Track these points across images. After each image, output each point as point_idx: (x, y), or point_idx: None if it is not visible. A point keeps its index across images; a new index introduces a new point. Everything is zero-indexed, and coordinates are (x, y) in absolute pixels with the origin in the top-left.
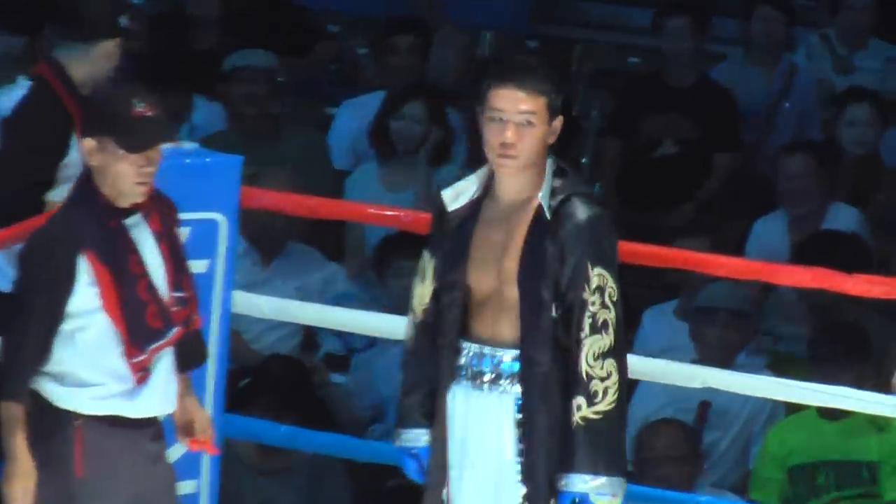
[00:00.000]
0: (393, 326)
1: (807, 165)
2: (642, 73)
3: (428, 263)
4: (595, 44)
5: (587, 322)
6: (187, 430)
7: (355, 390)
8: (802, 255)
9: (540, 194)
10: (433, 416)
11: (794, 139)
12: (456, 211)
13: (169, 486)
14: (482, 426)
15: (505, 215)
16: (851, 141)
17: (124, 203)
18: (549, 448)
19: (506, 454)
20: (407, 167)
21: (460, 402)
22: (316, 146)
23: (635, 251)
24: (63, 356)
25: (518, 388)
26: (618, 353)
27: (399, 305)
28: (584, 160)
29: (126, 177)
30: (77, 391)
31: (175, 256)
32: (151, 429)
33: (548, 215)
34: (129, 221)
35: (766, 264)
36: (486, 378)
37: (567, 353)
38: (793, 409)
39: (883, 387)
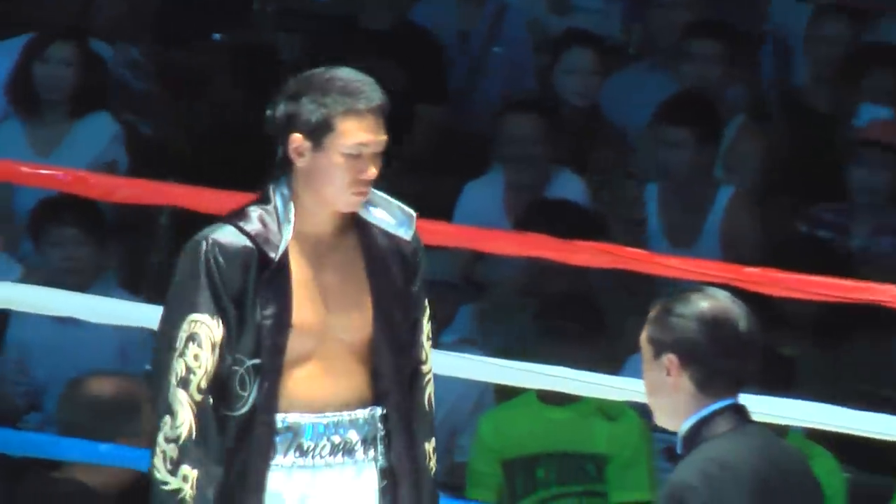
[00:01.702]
0: (53, 301)
1: (529, 127)
2: (332, 15)
3: (209, 330)
4: None
5: (427, 350)
6: None
7: (7, 375)
8: (523, 225)
9: (372, 224)
10: None
11: (507, 90)
12: (264, 261)
13: None
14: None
15: (321, 254)
16: (570, 91)
17: None
18: None
19: None
20: (55, 123)
21: (293, 486)
22: None
23: None
24: None
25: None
26: None
27: (57, 277)
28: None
29: None
30: None
31: None
32: None
33: (412, 243)
34: None
35: (478, 230)
36: (341, 446)
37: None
38: (507, 394)
39: (616, 369)
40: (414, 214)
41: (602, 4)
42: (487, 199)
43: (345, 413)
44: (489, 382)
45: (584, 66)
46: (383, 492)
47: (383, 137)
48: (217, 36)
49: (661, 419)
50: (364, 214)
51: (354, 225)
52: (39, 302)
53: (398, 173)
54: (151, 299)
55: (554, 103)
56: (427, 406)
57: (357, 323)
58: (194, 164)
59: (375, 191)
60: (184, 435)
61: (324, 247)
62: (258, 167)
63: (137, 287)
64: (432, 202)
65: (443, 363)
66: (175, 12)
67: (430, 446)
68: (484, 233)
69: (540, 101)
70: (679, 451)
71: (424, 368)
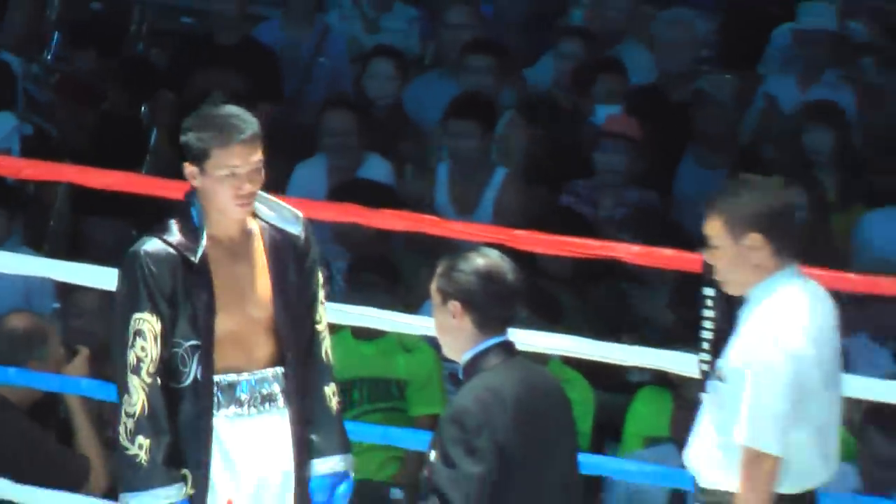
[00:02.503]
0: None
1: (345, 121)
2: (193, 33)
3: (150, 325)
4: (151, 5)
5: (321, 314)
6: None
7: None
8: (340, 198)
9: (269, 223)
10: (178, 466)
11: (330, 92)
12: (187, 263)
13: None
14: (269, 445)
15: (233, 252)
16: (377, 93)
17: None
18: (304, 441)
19: (287, 464)
20: None
21: (235, 431)
22: None
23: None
24: None
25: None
26: None
27: None
28: (143, 109)
29: None
30: None
31: None
32: None
33: (300, 235)
34: None
35: (305, 201)
36: (262, 398)
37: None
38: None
39: (413, 311)
40: (300, 214)
41: (405, 25)
42: (313, 177)
43: (267, 370)
44: None
45: (387, 73)
46: (295, 431)
47: (255, 159)
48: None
49: (448, 352)
50: (263, 217)
51: (256, 225)
52: None
53: None
54: (49, 255)
55: (365, 103)
56: (324, 357)
57: (263, 303)
58: (87, 151)
59: (270, 198)
60: (138, 412)
61: (234, 245)
62: (137, 153)
63: (39, 245)
64: (269, 180)
65: None
66: (69, 32)
67: (329, 389)
68: (310, 203)
69: (354, 101)
70: (461, 376)
71: (320, 328)
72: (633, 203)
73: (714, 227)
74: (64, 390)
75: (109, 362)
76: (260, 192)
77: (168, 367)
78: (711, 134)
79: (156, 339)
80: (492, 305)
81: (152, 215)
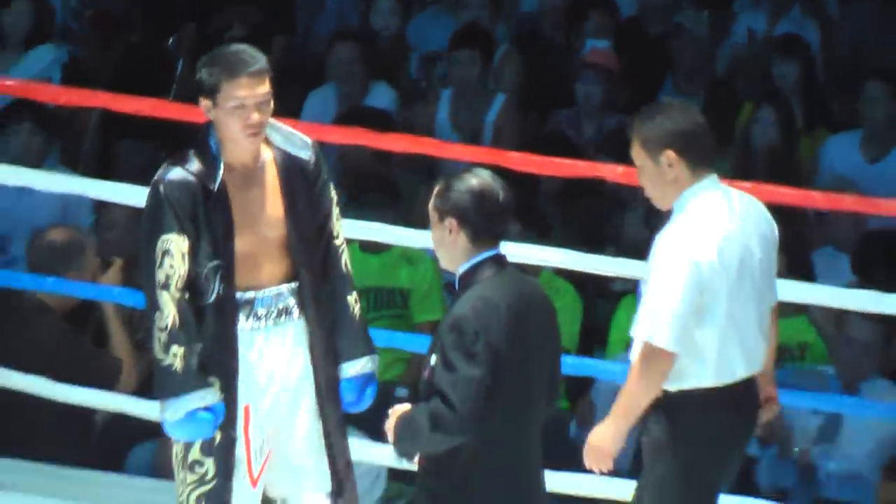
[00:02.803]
0: (13, 175)
1: (352, 52)
2: None
3: (177, 244)
4: None
5: (338, 229)
6: None
7: None
8: (348, 122)
9: (281, 150)
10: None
11: (338, 26)
12: (206, 191)
13: None
14: (285, 353)
15: (248, 178)
16: (381, 26)
17: None
18: (326, 348)
19: (307, 371)
20: (13, 49)
21: (253, 342)
22: None
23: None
24: None
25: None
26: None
27: (17, 159)
28: (170, 41)
29: None
30: None
31: None
32: None
33: (310, 160)
34: None
35: (317, 125)
36: (277, 312)
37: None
38: None
39: (414, 226)
40: (310, 141)
41: None
42: (324, 104)
43: (283, 286)
44: None
45: (391, 8)
46: (312, 339)
47: (262, 91)
48: None
49: (445, 264)
50: (276, 144)
51: (270, 153)
52: (3, 176)
53: None
54: (84, 174)
55: (370, 35)
56: (344, 268)
57: (276, 224)
58: (118, 79)
59: (283, 127)
60: (170, 324)
61: (249, 172)
62: (164, 81)
63: (75, 165)
64: (283, 107)
65: None
66: None
67: (351, 298)
68: (321, 127)
69: (360, 33)
70: (457, 287)
71: (337, 242)
72: (611, 129)
73: (635, 150)
74: (99, 298)
75: (138, 273)
76: (274, 122)
77: (192, 287)
78: (688, 65)
79: (183, 256)
80: (484, 222)
81: (178, 138)
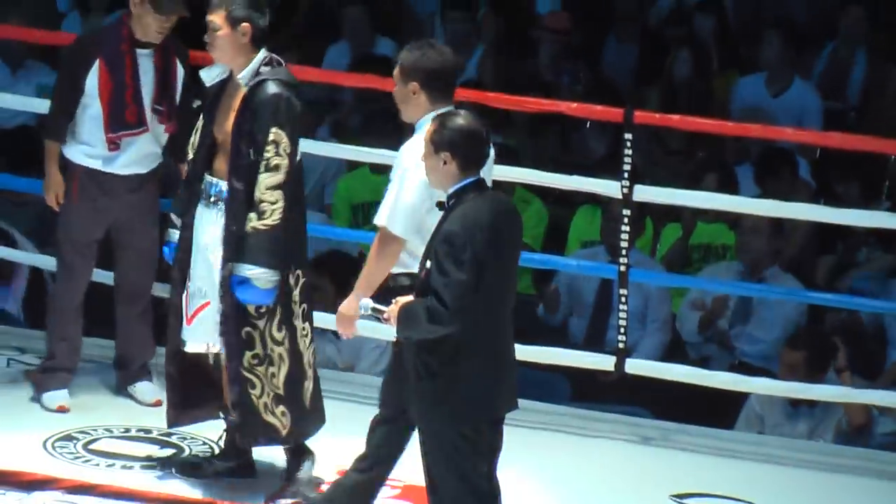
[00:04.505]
0: None
1: (360, 13)
2: None
3: (199, 120)
4: None
5: (263, 164)
6: None
7: None
8: (360, 69)
9: (241, 77)
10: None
11: None
12: (212, 86)
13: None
14: (209, 231)
15: (233, 91)
16: None
17: (142, 39)
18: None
19: (217, 250)
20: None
21: (198, 214)
22: None
23: None
24: (77, 121)
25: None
26: (285, 186)
27: None
28: None
29: (150, 25)
30: (77, 147)
31: (163, 84)
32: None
33: (245, 90)
34: (140, 52)
35: (338, 73)
36: (213, 199)
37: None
38: (352, 166)
39: None
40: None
41: None
42: (341, 55)
43: (222, 181)
44: (343, 159)
45: None
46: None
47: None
48: None
49: (435, 186)
50: (251, 81)
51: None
52: None
53: (290, 38)
54: None
55: None
56: (254, 194)
57: (227, 129)
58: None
59: (278, 70)
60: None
61: (232, 87)
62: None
63: None
64: (307, 57)
65: (321, 148)
66: None
67: (249, 216)
68: (341, 74)
69: None
70: (447, 205)
71: (259, 173)
72: (571, 71)
73: (395, 73)
74: None
75: None
76: (279, 69)
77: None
78: (628, 18)
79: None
80: (470, 153)
81: None
